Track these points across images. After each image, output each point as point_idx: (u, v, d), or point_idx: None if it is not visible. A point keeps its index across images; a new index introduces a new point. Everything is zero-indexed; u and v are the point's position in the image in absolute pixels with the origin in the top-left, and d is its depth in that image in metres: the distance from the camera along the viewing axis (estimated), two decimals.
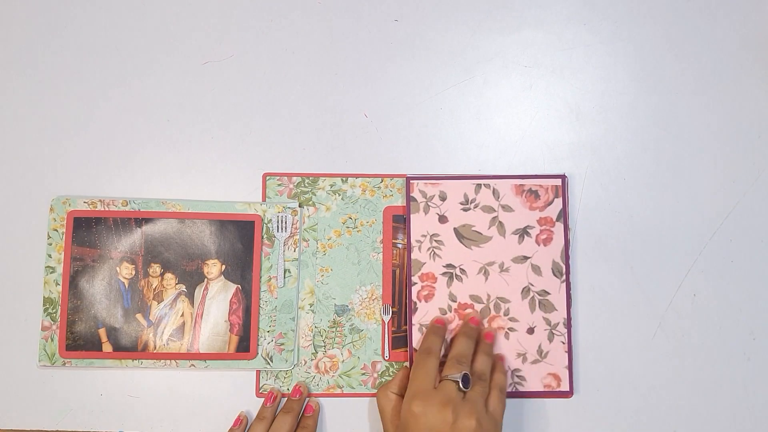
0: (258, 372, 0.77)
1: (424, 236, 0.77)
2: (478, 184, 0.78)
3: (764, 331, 0.78)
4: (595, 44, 0.81)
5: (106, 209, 0.77)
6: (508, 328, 0.77)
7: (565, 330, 0.76)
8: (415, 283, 0.77)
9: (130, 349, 0.76)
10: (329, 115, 0.80)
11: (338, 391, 0.76)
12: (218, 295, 0.77)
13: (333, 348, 0.77)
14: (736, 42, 0.80)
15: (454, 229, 0.78)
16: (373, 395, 0.77)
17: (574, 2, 0.81)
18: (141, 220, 0.77)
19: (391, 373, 0.76)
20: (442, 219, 0.78)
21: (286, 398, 0.76)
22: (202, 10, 0.81)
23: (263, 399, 0.75)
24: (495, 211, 0.78)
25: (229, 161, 0.79)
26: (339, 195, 0.79)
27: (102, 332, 0.76)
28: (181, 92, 0.80)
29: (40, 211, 0.78)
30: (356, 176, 0.79)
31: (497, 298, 0.77)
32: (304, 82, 0.80)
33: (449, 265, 0.77)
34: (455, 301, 0.77)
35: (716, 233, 0.79)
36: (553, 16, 0.81)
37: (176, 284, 0.77)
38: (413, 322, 0.76)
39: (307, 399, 0.76)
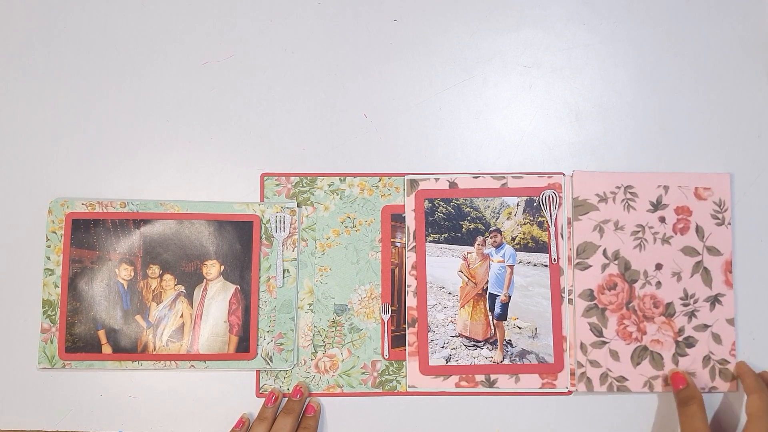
0: (258, 372, 0.77)
1: None
2: None
3: None
4: (595, 44, 0.80)
5: (105, 211, 0.77)
6: None
7: None
8: None
9: (129, 351, 0.76)
10: (328, 115, 0.80)
11: (338, 390, 0.76)
12: (217, 296, 0.77)
13: (333, 347, 0.77)
14: (736, 42, 0.80)
15: None
16: (373, 394, 0.77)
17: (574, 2, 0.81)
18: (139, 221, 0.77)
19: (390, 372, 0.77)
20: None
21: (286, 398, 0.76)
22: (202, 10, 0.81)
23: (264, 399, 0.75)
24: None
25: (227, 162, 0.79)
26: (337, 194, 0.78)
27: (101, 334, 0.76)
28: (181, 92, 0.80)
29: (39, 213, 0.77)
30: (354, 176, 0.79)
31: None
32: (303, 82, 0.80)
33: None
34: None
35: None
36: (552, 16, 0.81)
37: (175, 285, 0.77)
38: None
39: (308, 399, 0.76)
